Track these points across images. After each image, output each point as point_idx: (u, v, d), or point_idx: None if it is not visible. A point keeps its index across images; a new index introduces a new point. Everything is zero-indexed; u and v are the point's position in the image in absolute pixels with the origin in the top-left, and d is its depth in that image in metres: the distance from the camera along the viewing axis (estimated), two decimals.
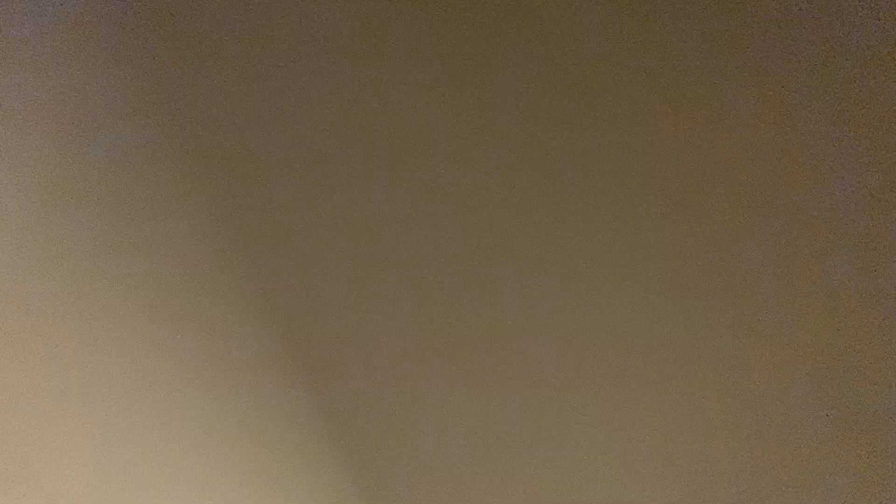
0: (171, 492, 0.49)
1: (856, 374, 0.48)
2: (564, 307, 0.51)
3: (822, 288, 0.49)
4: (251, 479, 0.50)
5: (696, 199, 0.49)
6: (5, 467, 0.49)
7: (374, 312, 0.52)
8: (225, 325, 0.49)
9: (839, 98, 0.48)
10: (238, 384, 0.50)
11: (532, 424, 0.50)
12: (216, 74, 0.49)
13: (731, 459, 0.49)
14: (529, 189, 0.50)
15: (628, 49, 0.48)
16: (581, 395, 0.51)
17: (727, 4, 0.48)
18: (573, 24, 0.49)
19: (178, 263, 0.49)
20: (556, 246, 0.50)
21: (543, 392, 0.51)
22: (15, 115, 0.48)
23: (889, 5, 0.47)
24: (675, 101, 0.49)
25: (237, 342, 0.50)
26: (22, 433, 0.49)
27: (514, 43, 0.49)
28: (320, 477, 0.50)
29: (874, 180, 0.48)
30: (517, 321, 0.52)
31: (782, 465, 0.49)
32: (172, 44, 0.49)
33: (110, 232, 0.49)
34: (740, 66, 0.48)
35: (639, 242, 0.49)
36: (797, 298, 0.49)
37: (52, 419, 0.49)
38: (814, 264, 0.48)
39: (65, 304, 0.49)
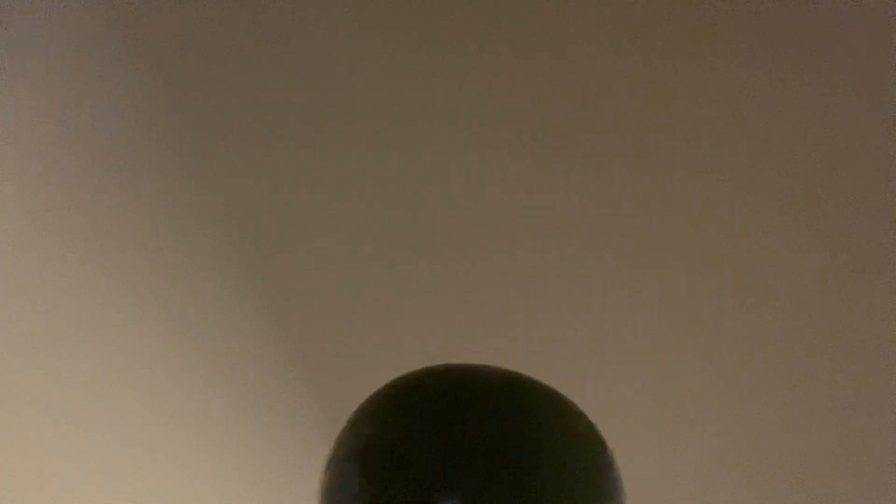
0: (172, 491, 0.50)
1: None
2: (562, 308, 0.51)
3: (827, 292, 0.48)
4: (252, 480, 0.50)
5: (697, 198, 0.49)
6: (5, 467, 0.49)
7: (374, 313, 0.52)
8: (226, 325, 0.50)
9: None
10: (240, 385, 0.50)
11: None
12: (217, 74, 0.49)
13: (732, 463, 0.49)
14: (531, 190, 0.49)
15: (631, 48, 0.48)
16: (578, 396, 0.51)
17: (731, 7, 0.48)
18: (576, 22, 0.49)
19: (178, 262, 0.49)
20: (555, 247, 0.50)
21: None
22: (15, 114, 0.49)
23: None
24: (679, 99, 0.48)
25: (239, 342, 0.50)
26: (21, 433, 0.49)
27: (516, 42, 0.49)
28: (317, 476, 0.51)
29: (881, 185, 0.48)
30: (516, 320, 0.52)
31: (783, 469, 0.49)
32: (173, 43, 0.49)
33: (109, 230, 0.49)
34: (744, 65, 0.48)
35: (639, 243, 0.49)
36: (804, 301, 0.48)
37: (51, 418, 0.49)
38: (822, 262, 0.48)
39: (65, 304, 0.49)
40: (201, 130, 0.49)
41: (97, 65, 0.49)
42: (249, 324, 0.50)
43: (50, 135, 0.49)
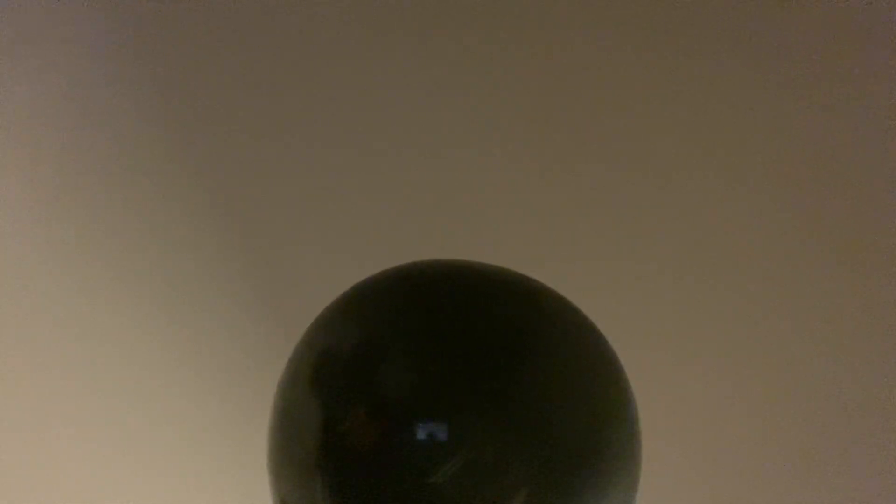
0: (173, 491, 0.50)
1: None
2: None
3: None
4: (253, 481, 0.50)
5: (697, 195, 0.49)
6: (4, 467, 0.49)
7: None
8: (228, 326, 0.49)
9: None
10: (242, 386, 0.50)
11: None
12: (217, 74, 0.49)
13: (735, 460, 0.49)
14: (532, 190, 0.49)
15: (635, 49, 0.48)
16: None
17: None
18: (576, 23, 0.49)
19: (179, 262, 0.49)
20: (555, 247, 0.50)
21: None
22: (15, 113, 0.49)
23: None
24: (679, 99, 0.48)
25: (241, 344, 0.50)
26: (20, 432, 0.49)
27: (516, 42, 0.49)
28: None
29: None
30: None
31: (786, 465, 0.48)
32: (174, 43, 0.49)
33: (108, 228, 0.49)
34: (745, 65, 0.48)
35: (639, 244, 0.49)
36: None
37: (51, 417, 0.49)
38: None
39: (65, 303, 0.49)
40: (197, 123, 0.49)
41: (97, 63, 0.49)
42: (246, 321, 0.50)
43: (47, 132, 0.49)
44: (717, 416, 0.47)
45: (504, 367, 0.22)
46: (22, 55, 0.49)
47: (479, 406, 0.22)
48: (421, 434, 0.22)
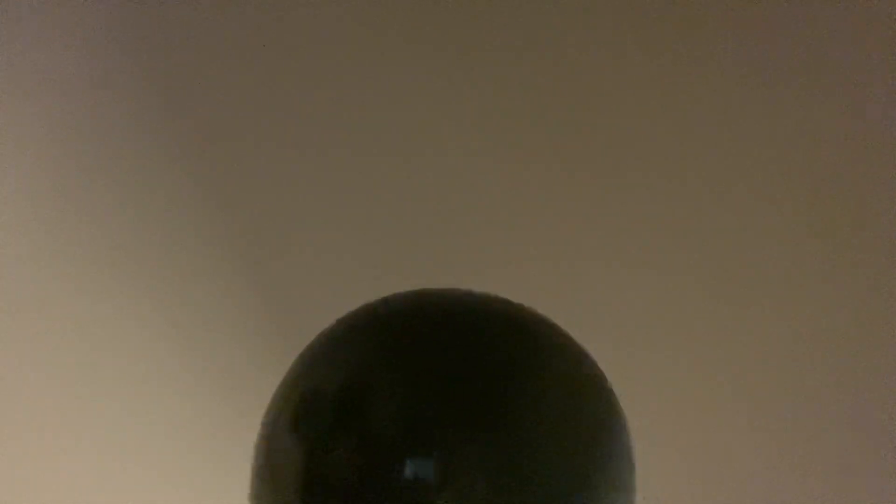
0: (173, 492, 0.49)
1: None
2: (562, 307, 0.50)
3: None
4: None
5: (695, 193, 0.49)
6: (4, 467, 0.49)
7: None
8: (229, 329, 0.49)
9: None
10: (242, 388, 0.49)
11: None
12: (218, 71, 0.49)
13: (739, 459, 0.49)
14: (532, 189, 0.49)
15: (633, 50, 0.48)
16: None
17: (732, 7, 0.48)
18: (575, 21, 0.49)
19: (178, 263, 0.49)
20: (555, 246, 0.50)
21: None
22: (14, 112, 0.49)
23: None
24: (677, 98, 0.48)
25: (242, 346, 0.50)
26: (19, 432, 0.49)
27: (514, 41, 0.49)
28: None
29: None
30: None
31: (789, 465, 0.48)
32: (174, 41, 0.49)
33: (108, 227, 0.49)
34: (744, 65, 0.48)
35: (638, 244, 0.49)
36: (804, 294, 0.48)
37: (50, 417, 0.49)
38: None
39: (64, 302, 0.49)
40: (198, 121, 0.49)
41: (99, 64, 0.49)
42: (255, 333, 0.50)
43: (49, 133, 0.49)
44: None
45: (495, 403, 0.22)
46: (20, 55, 0.49)
47: (470, 443, 0.21)
48: (408, 473, 0.21)
